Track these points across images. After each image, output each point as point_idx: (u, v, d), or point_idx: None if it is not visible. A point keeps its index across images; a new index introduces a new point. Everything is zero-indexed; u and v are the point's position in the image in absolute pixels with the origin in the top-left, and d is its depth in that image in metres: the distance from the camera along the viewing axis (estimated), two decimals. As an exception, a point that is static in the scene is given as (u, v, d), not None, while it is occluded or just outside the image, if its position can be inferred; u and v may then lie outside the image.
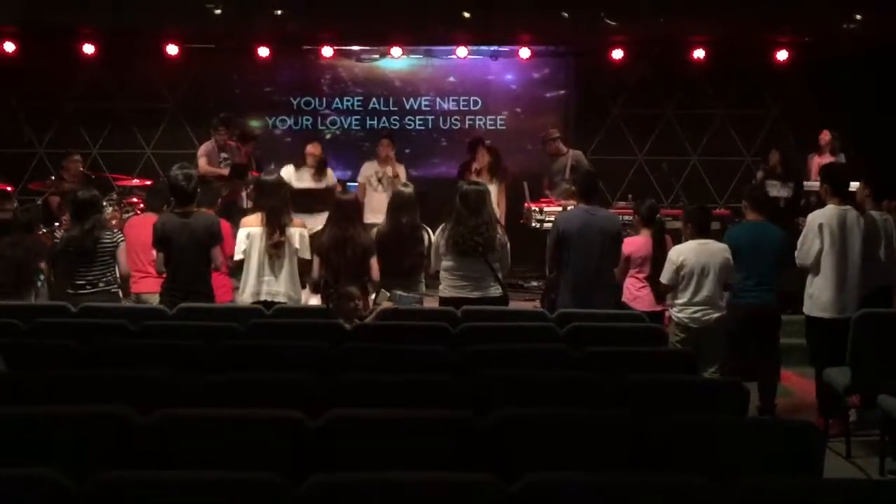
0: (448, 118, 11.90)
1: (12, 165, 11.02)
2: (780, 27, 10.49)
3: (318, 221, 8.45)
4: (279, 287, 6.41)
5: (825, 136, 9.73)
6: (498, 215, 9.28)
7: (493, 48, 11.43)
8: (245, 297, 6.41)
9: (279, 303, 6.26)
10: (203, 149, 9.69)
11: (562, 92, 11.88)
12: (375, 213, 9.28)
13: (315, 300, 6.51)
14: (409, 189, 6.71)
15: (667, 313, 6.67)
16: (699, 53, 11.17)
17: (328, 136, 11.63)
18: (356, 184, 9.96)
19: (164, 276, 6.33)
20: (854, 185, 6.66)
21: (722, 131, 11.67)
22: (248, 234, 6.43)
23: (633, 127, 11.72)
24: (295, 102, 11.85)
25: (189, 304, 5.87)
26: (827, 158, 9.36)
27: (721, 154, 11.58)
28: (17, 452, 3.20)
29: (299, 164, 9.40)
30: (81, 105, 11.48)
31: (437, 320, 5.41)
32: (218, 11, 8.89)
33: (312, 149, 9.52)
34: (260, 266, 6.40)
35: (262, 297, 6.36)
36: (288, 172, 9.01)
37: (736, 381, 4.33)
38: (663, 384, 4.17)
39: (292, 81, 11.86)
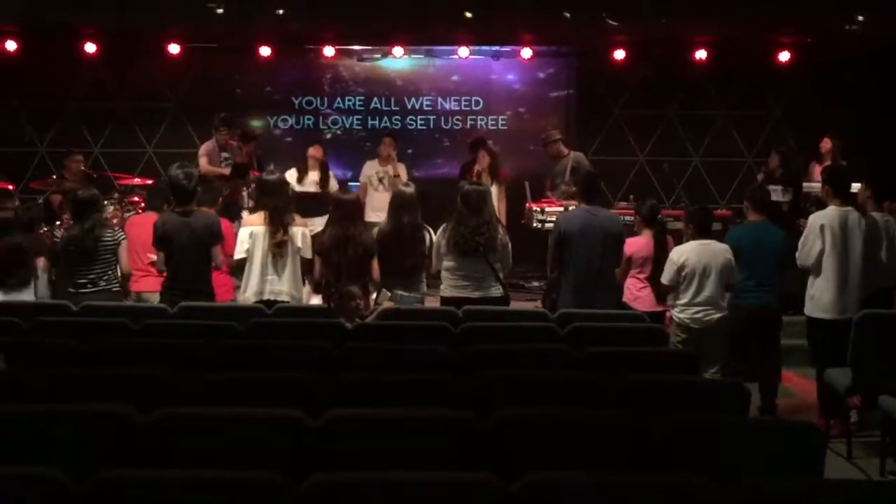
0: (450, 118, 11.89)
1: (14, 164, 11.02)
2: (782, 28, 10.48)
3: (318, 224, 8.49)
4: (282, 286, 6.41)
5: (826, 144, 9.65)
6: (499, 216, 9.32)
7: (494, 48, 11.42)
8: (248, 295, 6.41)
9: (282, 302, 6.25)
10: (204, 148, 9.69)
11: (563, 92, 11.87)
12: (377, 211, 9.28)
13: (316, 300, 6.51)
14: (411, 189, 6.71)
15: (668, 314, 6.67)
16: (701, 54, 11.16)
17: (329, 136, 11.63)
18: (357, 183, 9.97)
19: (165, 275, 6.33)
20: (856, 187, 6.65)
21: (724, 132, 11.67)
22: (251, 233, 6.43)
23: (635, 127, 11.71)
24: (296, 102, 11.84)
25: (190, 303, 5.86)
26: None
27: (723, 155, 11.58)
28: (18, 451, 3.19)
29: (302, 169, 9.41)
30: (83, 104, 11.48)
31: (438, 320, 5.41)
32: (220, 11, 8.88)
33: (314, 151, 9.54)
34: (263, 265, 6.40)
35: (265, 296, 6.35)
36: (291, 177, 9.07)
37: (737, 382, 4.33)
38: (664, 385, 4.17)
39: (294, 81, 11.85)
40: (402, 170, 9.84)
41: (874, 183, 6.68)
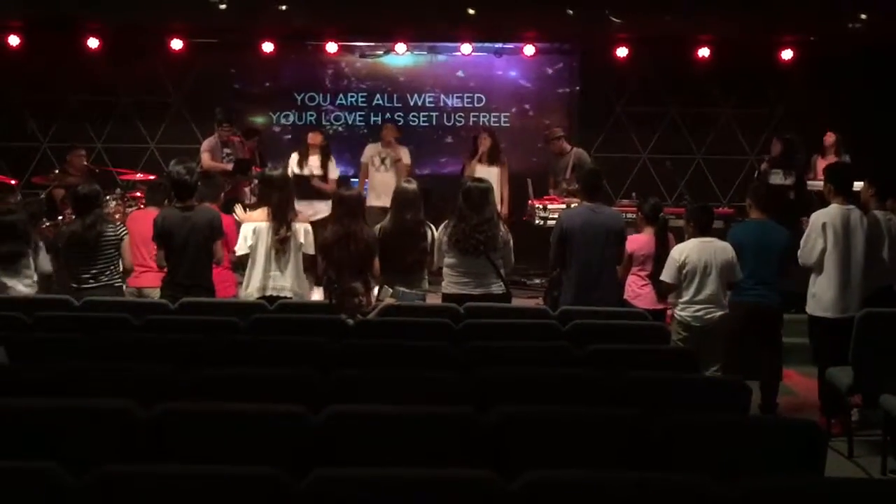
0: (452, 115, 11.90)
1: (16, 159, 11.06)
2: (784, 26, 10.47)
3: (317, 208, 8.51)
4: (285, 282, 6.41)
5: (829, 138, 9.69)
6: (503, 199, 9.31)
7: (497, 45, 11.42)
8: (250, 291, 6.40)
9: (285, 298, 6.25)
10: (206, 144, 9.68)
11: (566, 89, 11.88)
12: (377, 192, 9.30)
13: (318, 294, 6.51)
14: (413, 185, 6.70)
15: (669, 311, 6.67)
16: (704, 52, 11.15)
17: (331, 132, 11.63)
18: (357, 180, 9.98)
19: (165, 270, 6.33)
20: (858, 185, 6.64)
21: (726, 130, 11.66)
22: (255, 229, 6.42)
23: (637, 125, 11.70)
24: (298, 98, 11.85)
25: (191, 299, 5.86)
26: (831, 160, 9.30)
27: (725, 153, 11.57)
28: (19, 445, 3.20)
29: (303, 153, 9.42)
30: (85, 99, 11.49)
31: (440, 317, 5.40)
32: (222, 6, 8.88)
33: (313, 138, 9.53)
34: (266, 261, 6.40)
35: (269, 292, 6.35)
36: (293, 161, 9.14)
37: (738, 380, 4.32)
38: (665, 382, 4.17)
39: (296, 77, 11.85)
40: (404, 153, 9.85)
41: (877, 181, 6.66)
